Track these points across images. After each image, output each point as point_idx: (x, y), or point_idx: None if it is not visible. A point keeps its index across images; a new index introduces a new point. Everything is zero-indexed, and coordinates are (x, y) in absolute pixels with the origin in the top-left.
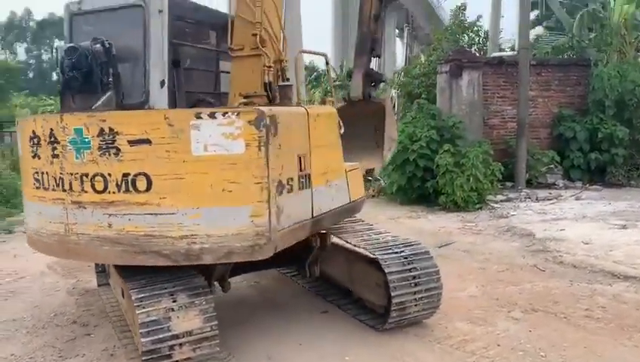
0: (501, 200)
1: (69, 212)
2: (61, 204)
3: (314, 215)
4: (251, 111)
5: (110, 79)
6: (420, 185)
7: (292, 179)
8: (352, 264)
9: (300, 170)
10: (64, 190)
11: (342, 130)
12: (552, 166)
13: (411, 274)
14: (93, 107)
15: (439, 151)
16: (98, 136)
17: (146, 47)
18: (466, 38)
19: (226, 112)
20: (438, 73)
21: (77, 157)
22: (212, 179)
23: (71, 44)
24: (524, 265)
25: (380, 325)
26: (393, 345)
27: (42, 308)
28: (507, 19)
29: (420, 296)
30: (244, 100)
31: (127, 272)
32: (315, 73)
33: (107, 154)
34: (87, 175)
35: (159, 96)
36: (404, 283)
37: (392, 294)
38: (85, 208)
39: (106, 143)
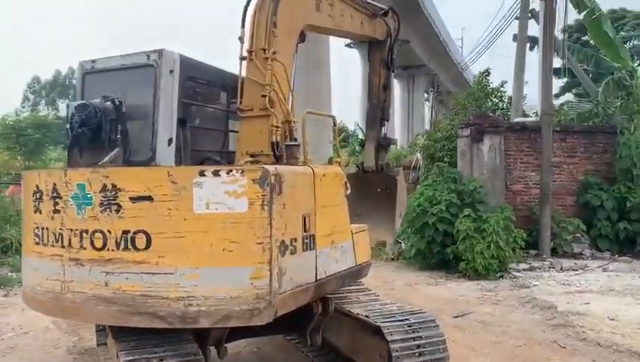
0: (523, 269)
1: (67, 269)
2: (59, 260)
3: (318, 278)
4: (256, 169)
5: (118, 136)
6: (439, 250)
7: (296, 239)
8: (356, 333)
9: (305, 230)
10: (63, 246)
11: (348, 191)
12: (578, 235)
13: (415, 343)
14: (99, 163)
15: (459, 215)
16: (100, 191)
17: (155, 106)
18: (490, 103)
19: (230, 170)
20: (459, 137)
21: (78, 213)
22: (213, 238)
23: (81, 101)
24: (543, 341)
25: None
26: None
27: None
28: (531, 85)
29: None
30: (251, 159)
31: (120, 333)
32: (343, 133)
33: (108, 210)
34: (87, 231)
35: (166, 153)
36: (407, 352)
37: None
38: (83, 265)
39: (108, 200)
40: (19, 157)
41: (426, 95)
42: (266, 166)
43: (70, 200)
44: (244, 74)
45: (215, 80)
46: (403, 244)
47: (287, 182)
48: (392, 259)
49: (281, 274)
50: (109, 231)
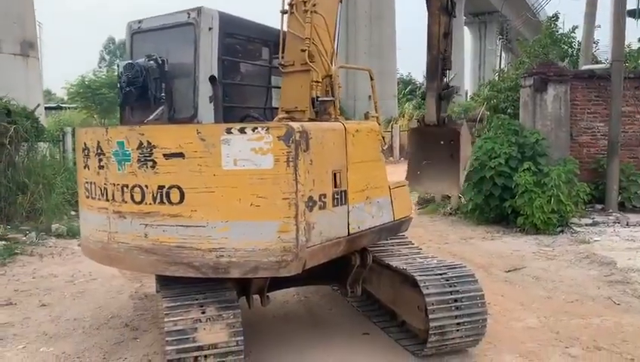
0: (586, 224)
1: (111, 221)
2: (105, 213)
3: (350, 232)
4: (280, 126)
5: (162, 94)
6: (497, 205)
7: (325, 195)
8: (395, 286)
9: (335, 186)
10: (107, 200)
11: (385, 147)
12: None
13: (452, 297)
14: (145, 121)
15: (519, 169)
16: (137, 149)
17: (196, 64)
18: (558, 50)
19: (256, 128)
20: (522, 87)
21: (119, 169)
22: (241, 194)
23: (129, 61)
24: (596, 297)
25: (419, 351)
26: None
27: (102, 309)
28: (604, 30)
29: (461, 321)
30: (285, 115)
31: (165, 281)
32: (410, 86)
33: (145, 166)
34: (127, 186)
35: (207, 111)
36: (443, 306)
37: (431, 317)
38: (125, 218)
39: (144, 156)
40: (95, 116)
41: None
42: (291, 123)
43: (112, 156)
44: (285, 28)
45: (256, 36)
46: (462, 199)
47: (314, 139)
48: (450, 214)
49: (309, 229)
50: (147, 186)
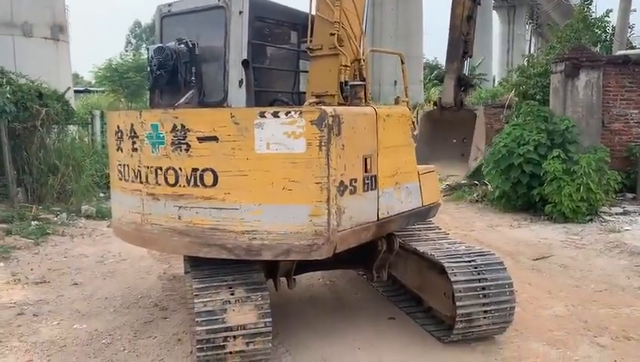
0: (616, 213)
1: (145, 203)
2: (139, 194)
3: (380, 217)
4: (313, 110)
5: (193, 78)
6: (525, 192)
7: (356, 180)
8: (422, 271)
9: (366, 171)
10: (141, 182)
11: (416, 132)
12: None
13: (480, 284)
14: (176, 104)
15: (548, 156)
16: (171, 132)
17: (226, 47)
18: (591, 34)
19: (289, 112)
20: (553, 73)
21: (153, 151)
22: (273, 177)
23: (159, 44)
24: (627, 287)
25: (445, 337)
26: (455, 360)
27: (132, 289)
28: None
29: (488, 308)
30: (315, 100)
31: (195, 263)
32: (435, 71)
33: (179, 149)
34: (161, 168)
35: (237, 94)
36: (471, 293)
37: (458, 304)
38: (159, 200)
39: (178, 139)
40: (122, 100)
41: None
42: (324, 107)
43: (146, 139)
44: (313, 11)
45: (285, 19)
46: (489, 186)
47: (346, 123)
48: (476, 201)
49: (340, 213)
50: (180, 169)
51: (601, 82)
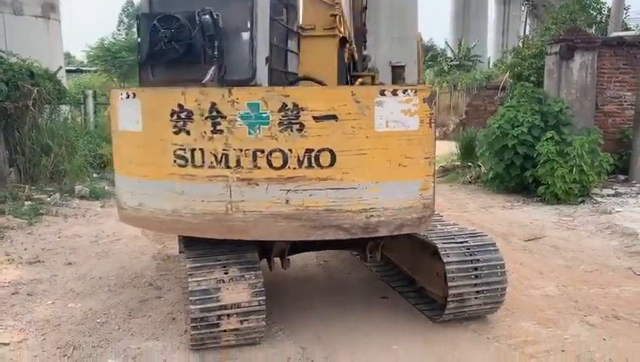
0: (608, 195)
1: (234, 189)
2: (222, 181)
3: None
4: (425, 89)
5: (216, 53)
6: (518, 174)
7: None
8: (415, 252)
9: None
10: (228, 167)
11: None
12: None
13: (472, 265)
14: (203, 81)
15: (542, 138)
16: (279, 111)
17: (253, 22)
18: (586, 16)
19: (406, 90)
20: (548, 54)
21: (250, 133)
22: (390, 155)
23: (170, 13)
24: (617, 267)
25: (437, 316)
26: (447, 338)
27: (126, 269)
28: None
29: (480, 288)
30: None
31: (189, 243)
32: (430, 52)
33: (289, 129)
34: (262, 151)
35: (263, 73)
36: (463, 274)
37: (450, 284)
38: (257, 185)
39: (289, 119)
40: (115, 79)
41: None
42: (426, 85)
43: (239, 119)
44: None
45: None
46: (482, 168)
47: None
48: (469, 182)
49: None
50: (290, 150)
51: (595, 64)
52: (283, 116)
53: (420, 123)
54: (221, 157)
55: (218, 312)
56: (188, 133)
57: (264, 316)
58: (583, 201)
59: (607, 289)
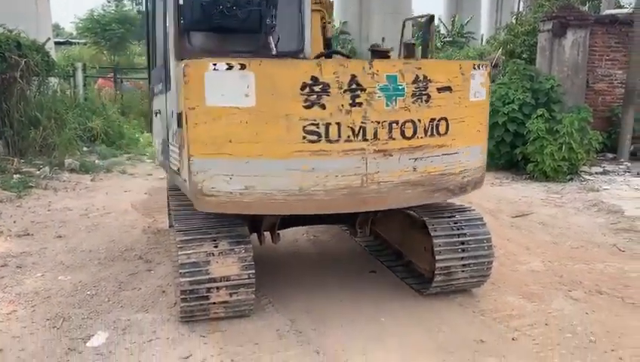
0: (596, 173)
1: (370, 161)
2: (359, 154)
3: None
4: (487, 64)
5: (274, 22)
6: (508, 151)
7: None
8: (404, 227)
9: None
10: (365, 139)
11: None
12: None
13: (459, 239)
14: (274, 53)
15: (532, 115)
16: (413, 83)
17: None
18: None
19: (481, 65)
20: (540, 31)
21: (387, 105)
22: (475, 122)
23: None
24: (602, 244)
25: (424, 290)
26: (433, 311)
27: (117, 242)
28: None
29: (467, 262)
30: None
31: (179, 216)
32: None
33: (419, 100)
34: (397, 122)
35: (309, 44)
36: (450, 247)
37: (437, 258)
38: (392, 155)
39: (419, 90)
40: (105, 52)
41: None
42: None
43: (378, 92)
44: None
45: None
46: None
47: None
48: None
49: None
50: (419, 120)
51: (587, 42)
52: (415, 88)
53: (485, 93)
54: (359, 130)
55: (208, 285)
56: (323, 107)
57: (254, 289)
58: (571, 179)
59: (592, 265)
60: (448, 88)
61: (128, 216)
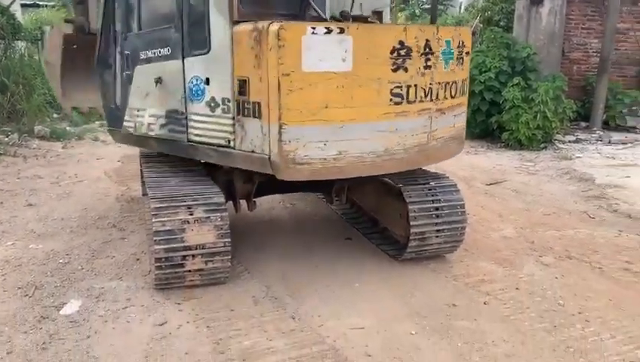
0: (569, 141)
1: (434, 120)
2: (427, 113)
3: None
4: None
5: None
6: (484, 120)
7: None
8: (379, 194)
9: None
10: (432, 100)
11: None
12: (634, 108)
13: (433, 205)
14: (324, 16)
15: (508, 84)
16: (457, 47)
17: None
18: None
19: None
20: None
21: (445, 67)
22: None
23: None
24: (573, 211)
25: (399, 255)
26: (407, 277)
27: (89, 210)
28: None
29: (441, 227)
30: None
31: (154, 184)
32: None
33: (460, 63)
34: (448, 83)
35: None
36: (424, 213)
37: (412, 223)
38: (444, 113)
39: (460, 54)
40: (74, 15)
41: None
42: None
43: (440, 55)
44: None
45: None
46: None
47: None
48: None
49: None
50: (456, 82)
51: (564, 10)
52: (459, 52)
53: None
54: (428, 91)
55: (183, 253)
56: (406, 70)
57: (229, 257)
58: (545, 147)
59: (563, 231)
60: (469, 52)
61: (101, 183)
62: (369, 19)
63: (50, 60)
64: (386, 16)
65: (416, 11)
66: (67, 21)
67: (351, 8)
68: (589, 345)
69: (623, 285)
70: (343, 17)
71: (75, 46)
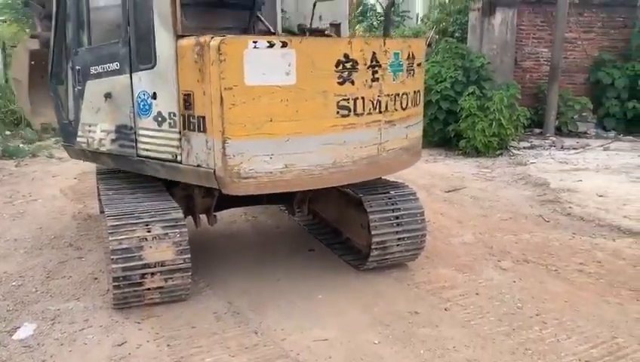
0: (524, 147)
1: (383, 132)
2: (377, 125)
3: None
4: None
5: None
6: (441, 129)
7: None
8: (340, 205)
9: None
10: (380, 112)
11: None
12: (584, 114)
13: (394, 214)
14: (272, 30)
15: (464, 93)
16: (407, 59)
17: None
18: None
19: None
20: (471, 10)
21: (394, 79)
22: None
23: None
24: (529, 215)
25: (362, 265)
26: (370, 286)
27: (44, 230)
28: None
29: (402, 236)
30: None
31: (109, 200)
32: (361, 7)
33: (410, 75)
34: (398, 95)
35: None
36: (385, 222)
37: (373, 233)
38: (395, 125)
39: (411, 66)
40: (27, 30)
41: None
42: None
43: (388, 68)
44: None
45: None
46: None
47: None
48: None
49: None
50: (408, 93)
51: (515, 20)
52: (409, 64)
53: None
54: (376, 103)
55: (141, 271)
56: (352, 82)
57: (190, 273)
58: (501, 154)
59: (520, 235)
60: (420, 64)
61: (57, 202)
62: (326, 32)
63: (17, 77)
64: (344, 29)
65: (374, 23)
66: (33, 37)
67: (311, 21)
68: (546, 347)
69: (577, 286)
70: (300, 31)
71: (44, 62)
